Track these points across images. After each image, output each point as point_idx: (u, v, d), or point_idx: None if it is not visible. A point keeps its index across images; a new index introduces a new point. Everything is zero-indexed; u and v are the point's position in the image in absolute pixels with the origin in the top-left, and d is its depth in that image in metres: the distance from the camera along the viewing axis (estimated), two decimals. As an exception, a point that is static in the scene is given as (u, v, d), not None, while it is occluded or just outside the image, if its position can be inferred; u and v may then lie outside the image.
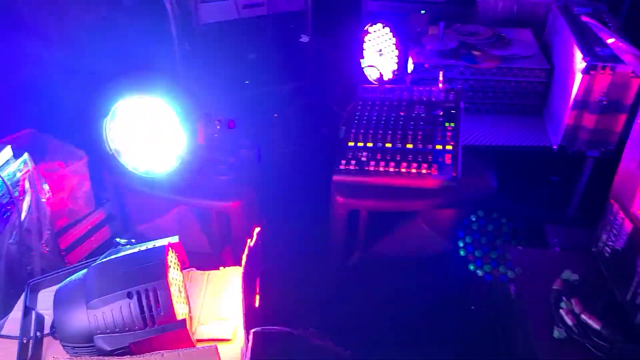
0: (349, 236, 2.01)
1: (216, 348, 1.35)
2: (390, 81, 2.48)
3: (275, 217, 2.26)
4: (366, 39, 2.42)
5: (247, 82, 3.45)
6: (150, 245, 1.54)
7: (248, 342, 1.38)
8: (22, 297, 1.60)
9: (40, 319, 1.56)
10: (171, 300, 1.41)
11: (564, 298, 1.54)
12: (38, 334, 1.53)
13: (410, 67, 2.54)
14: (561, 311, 1.50)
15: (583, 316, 1.46)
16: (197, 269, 1.79)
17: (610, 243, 1.60)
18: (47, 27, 2.76)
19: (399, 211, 1.99)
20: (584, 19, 2.23)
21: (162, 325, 1.41)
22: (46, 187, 1.90)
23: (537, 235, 2.36)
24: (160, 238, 1.83)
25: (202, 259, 2.06)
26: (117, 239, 1.61)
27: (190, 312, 1.60)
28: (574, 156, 2.34)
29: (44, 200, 1.89)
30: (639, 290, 1.43)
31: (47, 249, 1.94)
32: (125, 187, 2.01)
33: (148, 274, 1.43)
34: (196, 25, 3.12)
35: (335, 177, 1.91)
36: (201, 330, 1.58)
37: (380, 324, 2.08)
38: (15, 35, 2.63)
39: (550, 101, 2.48)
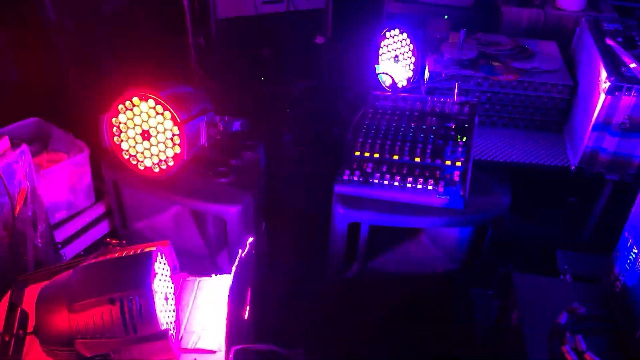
0: (348, 248, 1.95)
1: (195, 364, 1.30)
2: (404, 89, 2.40)
3: (275, 223, 2.20)
4: (382, 44, 2.34)
5: (262, 78, 3.40)
6: (139, 249, 1.49)
7: (228, 361, 1.32)
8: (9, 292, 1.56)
9: (24, 317, 1.52)
10: (154, 309, 1.36)
11: (567, 333, 1.45)
12: (20, 332, 1.49)
13: (426, 75, 2.46)
14: (563, 348, 1.42)
15: (586, 357, 1.37)
16: (190, 273, 1.74)
17: (621, 278, 1.51)
18: (64, 17, 2.73)
19: (404, 227, 1.91)
20: (608, 42, 2.13)
21: (143, 335, 1.36)
22: (43, 179, 1.87)
23: (549, 258, 2.27)
24: (157, 237, 1.79)
25: (197, 262, 2.02)
26: (108, 239, 1.56)
27: (177, 319, 1.55)
28: (592, 178, 2.25)
29: (40, 193, 1.85)
30: (648, 333, 1.34)
31: (42, 242, 1.91)
32: (124, 183, 1.97)
33: (132, 280, 1.38)
34: (213, 19, 3.08)
35: (338, 188, 1.85)
36: (187, 339, 1.53)
37: (374, 341, 2.01)
38: (35, 25, 2.62)
39: (571, 119, 2.38)
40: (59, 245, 2.10)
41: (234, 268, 1.49)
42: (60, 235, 2.11)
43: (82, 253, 2.17)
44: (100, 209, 2.22)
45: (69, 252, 2.15)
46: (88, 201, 2.19)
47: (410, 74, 2.47)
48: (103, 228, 2.23)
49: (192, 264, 1.79)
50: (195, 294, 1.66)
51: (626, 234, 1.52)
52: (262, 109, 3.13)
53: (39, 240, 1.91)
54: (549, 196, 2.62)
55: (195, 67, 2.95)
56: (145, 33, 2.88)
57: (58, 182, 2.07)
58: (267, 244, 2.25)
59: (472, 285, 2.01)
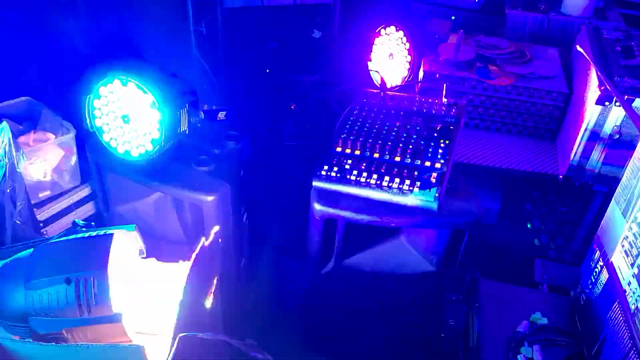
0: (325, 244, 1.93)
1: (143, 349, 1.30)
2: (396, 88, 2.37)
3: (255, 214, 2.20)
4: (377, 41, 2.32)
5: (267, 71, 3.40)
6: (102, 232, 1.50)
7: (172, 347, 1.32)
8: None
9: (-11, 291, 1.54)
10: (108, 292, 1.37)
11: (525, 343, 1.43)
12: (-17, 306, 1.51)
13: (420, 75, 2.43)
14: (519, 356, 1.40)
15: (539, 367, 1.35)
16: (162, 259, 1.74)
17: (586, 290, 1.48)
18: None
19: (379, 225, 1.89)
20: (578, 48, 2.09)
21: (96, 316, 1.37)
22: (23, 157, 1.89)
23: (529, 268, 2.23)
24: (138, 221, 1.81)
25: (174, 248, 2.03)
26: (76, 220, 1.58)
27: (137, 303, 1.56)
28: (580, 189, 2.21)
29: (19, 170, 1.87)
30: (604, 348, 1.30)
31: (20, 220, 1.93)
32: (105, 166, 1.98)
33: (89, 261, 1.39)
34: (219, 8, 3.08)
35: (315, 182, 1.83)
36: (145, 323, 1.54)
37: (343, 338, 2.00)
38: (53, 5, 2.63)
39: (564, 128, 2.33)
40: (41, 225, 2.13)
41: (193, 255, 1.49)
42: (42, 215, 2.13)
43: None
44: (85, 191, 2.24)
45: (52, 232, 2.17)
46: (73, 182, 2.21)
47: (405, 72, 2.44)
48: (88, 210, 2.26)
49: (170, 251, 1.80)
50: (161, 279, 1.66)
51: (594, 246, 1.48)
52: (263, 101, 3.12)
53: (17, 219, 1.93)
54: (540, 205, 2.58)
55: (195, 55, 2.95)
56: (155, 14, 2.88)
57: (44, 161, 2.09)
58: (248, 236, 2.25)
59: (446, 290, 1.99)
